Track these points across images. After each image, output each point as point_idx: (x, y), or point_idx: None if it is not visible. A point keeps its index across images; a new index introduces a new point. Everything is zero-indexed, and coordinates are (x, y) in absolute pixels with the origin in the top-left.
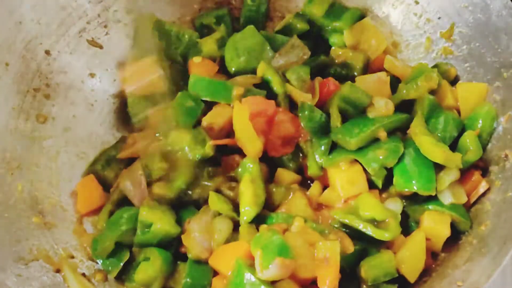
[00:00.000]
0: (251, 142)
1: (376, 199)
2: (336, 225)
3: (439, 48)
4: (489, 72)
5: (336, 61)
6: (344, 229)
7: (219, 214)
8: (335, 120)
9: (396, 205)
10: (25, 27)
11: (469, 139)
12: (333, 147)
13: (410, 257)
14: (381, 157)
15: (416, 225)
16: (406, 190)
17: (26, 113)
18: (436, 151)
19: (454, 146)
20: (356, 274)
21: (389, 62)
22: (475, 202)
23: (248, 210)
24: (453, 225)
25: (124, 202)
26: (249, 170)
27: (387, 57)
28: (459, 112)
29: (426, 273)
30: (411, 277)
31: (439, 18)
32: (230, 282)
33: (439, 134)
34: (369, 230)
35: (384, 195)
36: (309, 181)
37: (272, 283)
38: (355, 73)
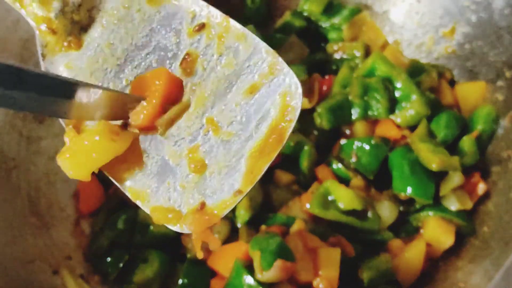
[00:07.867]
0: None
1: (348, 189)
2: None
3: (441, 47)
4: (491, 71)
5: (334, 56)
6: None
7: None
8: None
9: (386, 209)
10: (22, 26)
11: (466, 144)
12: None
13: (406, 265)
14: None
15: (416, 231)
16: (403, 194)
17: (24, 112)
18: (433, 159)
19: (455, 143)
20: (355, 275)
21: (391, 50)
22: (478, 203)
23: (242, 214)
24: (455, 230)
25: (123, 203)
26: None
27: (390, 45)
28: (459, 111)
29: (427, 274)
30: (405, 283)
31: (441, 17)
32: (229, 283)
33: (441, 133)
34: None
35: (381, 196)
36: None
37: (270, 285)
38: (357, 61)
